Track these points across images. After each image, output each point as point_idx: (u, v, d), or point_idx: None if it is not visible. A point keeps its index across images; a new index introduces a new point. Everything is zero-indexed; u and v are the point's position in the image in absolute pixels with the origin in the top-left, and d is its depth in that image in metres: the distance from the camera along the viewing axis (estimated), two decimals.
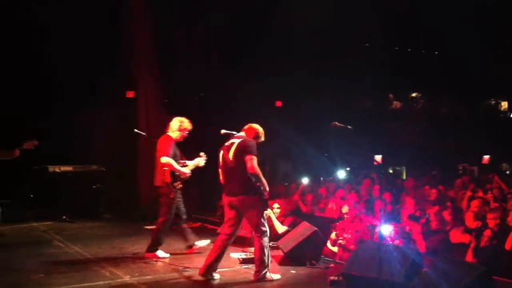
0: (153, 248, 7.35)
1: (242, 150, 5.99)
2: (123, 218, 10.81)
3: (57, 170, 10.79)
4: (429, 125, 19.33)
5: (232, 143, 6.12)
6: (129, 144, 12.02)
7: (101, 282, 6.01)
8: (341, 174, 12.99)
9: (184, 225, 7.61)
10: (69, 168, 10.97)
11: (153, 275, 6.36)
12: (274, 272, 6.29)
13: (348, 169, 14.24)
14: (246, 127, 6.36)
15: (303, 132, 13.81)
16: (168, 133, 7.49)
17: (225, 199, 6.26)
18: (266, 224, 6.13)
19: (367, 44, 17.67)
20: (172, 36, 12.69)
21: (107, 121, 12.89)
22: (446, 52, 18.22)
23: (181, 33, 12.80)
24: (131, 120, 12.05)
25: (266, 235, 6.11)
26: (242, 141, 6.09)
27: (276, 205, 8.82)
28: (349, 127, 5.68)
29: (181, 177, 7.31)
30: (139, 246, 8.13)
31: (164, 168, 7.18)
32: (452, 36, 16.69)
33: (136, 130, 9.60)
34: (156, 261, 7.12)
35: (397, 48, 18.20)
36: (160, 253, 7.39)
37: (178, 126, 7.47)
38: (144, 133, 9.56)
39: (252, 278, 6.22)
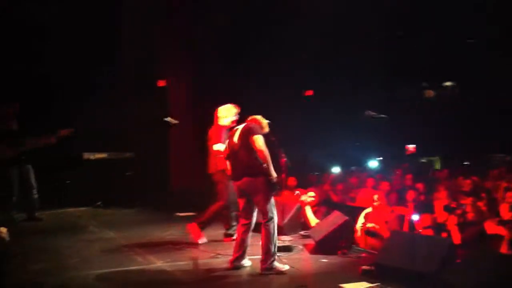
0: (202, 225, 7.45)
1: (247, 132, 5.96)
2: (156, 204, 10.94)
3: (92, 157, 10.97)
4: (463, 114, 18.96)
5: (236, 129, 6.19)
6: (161, 131, 12.18)
7: (134, 267, 6.13)
8: (373, 164, 12.88)
9: (234, 212, 7.61)
10: (103, 155, 11.14)
11: (186, 261, 6.44)
12: (305, 261, 6.31)
13: (380, 158, 14.11)
14: (249, 118, 6.33)
15: (335, 121, 13.75)
16: (218, 122, 7.56)
17: (234, 186, 6.24)
18: (274, 210, 5.98)
19: (400, 32, 17.39)
20: (205, 23, 12.68)
21: (140, 109, 13.06)
22: (481, 39, 17.81)
23: (217, 20, 12.78)
24: (162, 108, 12.20)
25: (273, 222, 5.94)
26: (246, 124, 6.12)
27: (311, 193, 8.79)
28: (382, 116, 5.57)
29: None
30: (171, 232, 8.25)
31: (218, 156, 7.23)
32: (490, 22, 16.29)
33: (166, 118, 9.72)
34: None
35: (432, 35, 17.83)
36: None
37: (226, 113, 7.52)
38: (174, 121, 9.67)
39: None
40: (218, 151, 7.24)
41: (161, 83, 13.03)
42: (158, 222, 9.16)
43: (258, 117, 6.32)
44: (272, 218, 5.91)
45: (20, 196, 8.67)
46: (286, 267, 6.01)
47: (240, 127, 6.16)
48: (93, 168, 11.03)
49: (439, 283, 5.26)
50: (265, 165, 5.83)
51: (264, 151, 5.82)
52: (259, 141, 5.83)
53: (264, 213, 5.90)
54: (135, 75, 12.55)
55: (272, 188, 5.94)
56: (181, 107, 12.48)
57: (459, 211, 7.38)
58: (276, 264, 5.94)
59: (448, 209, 7.49)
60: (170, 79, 12.72)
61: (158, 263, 6.33)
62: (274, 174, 5.88)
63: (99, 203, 10.47)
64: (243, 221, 6.15)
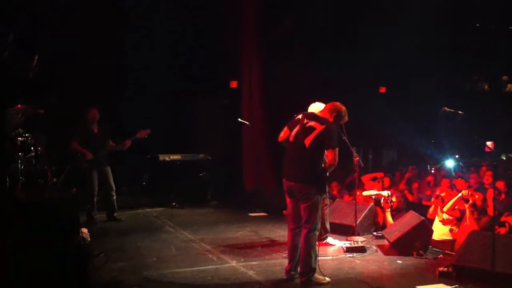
0: (322, 237, 7.31)
1: (323, 141, 5.41)
2: (229, 205, 11.09)
3: (167, 158, 11.26)
4: None
5: (311, 126, 5.51)
6: (233, 133, 12.34)
7: (209, 267, 6.24)
8: (450, 162, 12.44)
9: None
10: (178, 156, 11.40)
11: (258, 261, 6.49)
12: (380, 262, 6.19)
13: (457, 156, 13.61)
14: (328, 106, 5.78)
15: (410, 118, 13.41)
16: None
17: (285, 184, 5.71)
18: (319, 221, 5.60)
19: (478, 25, 16.73)
20: (277, 25, 12.71)
21: (213, 110, 13.31)
22: None
23: (287, 22, 12.79)
24: (235, 109, 12.35)
25: (316, 233, 5.54)
26: (325, 129, 5.44)
27: (392, 198, 8.56)
28: (460, 112, 5.34)
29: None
30: (244, 232, 8.35)
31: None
32: None
33: (239, 119, 9.82)
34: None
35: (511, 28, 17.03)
36: (330, 240, 7.49)
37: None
38: (247, 122, 9.75)
39: (357, 267, 6.17)
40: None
41: (234, 84, 13.19)
42: (231, 222, 9.27)
43: (337, 104, 5.76)
44: (316, 229, 5.55)
45: (100, 197, 9.05)
46: (327, 279, 5.65)
47: (317, 128, 5.47)
48: (168, 169, 11.30)
49: None
50: (325, 175, 5.50)
51: (335, 166, 5.42)
52: (335, 155, 5.38)
53: (309, 222, 5.50)
54: (207, 77, 12.78)
55: (321, 197, 5.66)
56: (253, 108, 12.56)
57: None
58: (317, 276, 5.60)
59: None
60: (242, 80, 12.82)
61: (232, 262, 6.42)
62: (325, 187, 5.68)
63: (174, 203, 10.73)
64: (291, 225, 5.74)
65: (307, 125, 5.54)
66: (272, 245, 7.43)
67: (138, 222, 9.37)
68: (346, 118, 5.78)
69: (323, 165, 5.54)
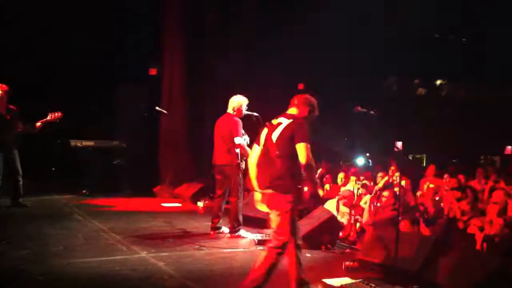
0: (235, 229, 7.39)
1: (292, 135, 4.65)
2: (143, 194, 10.91)
3: (79, 144, 10.90)
4: (452, 114, 19.08)
5: (279, 123, 4.82)
6: (152, 121, 12.12)
7: (118, 257, 6.10)
8: (360, 160, 12.90)
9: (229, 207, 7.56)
10: (90, 143, 11.07)
11: (169, 252, 6.43)
12: None
13: (367, 154, 14.15)
14: (295, 100, 5.01)
15: (323, 115, 13.74)
16: (229, 112, 7.41)
17: (258, 192, 5.01)
18: (294, 237, 4.73)
19: (393, 27, 17.41)
20: (201, 16, 12.59)
21: (131, 97, 13.01)
22: (474, 39, 17.90)
23: (211, 14, 12.70)
24: (154, 98, 12.13)
25: (296, 247, 4.74)
26: (292, 123, 4.74)
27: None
28: (372, 112, 5.52)
29: (244, 157, 7.24)
30: (156, 222, 8.26)
31: (236, 150, 7.16)
32: (481, 22, 16.38)
33: (157, 108, 9.67)
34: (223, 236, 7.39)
35: (424, 33, 17.89)
36: (243, 232, 7.46)
37: (241, 103, 7.40)
38: (165, 111, 9.63)
39: None
40: (238, 144, 7.13)
41: (153, 71, 12.94)
42: (143, 212, 9.16)
43: (308, 96, 5.07)
44: (294, 237, 4.73)
45: (4, 181, 8.60)
46: None
47: (285, 122, 4.78)
48: (80, 155, 10.94)
49: (422, 281, 5.30)
50: (302, 180, 4.67)
51: (311, 165, 4.58)
52: (307, 151, 4.56)
53: (280, 236, 4.74)
54: (128, 63, 12.48)
55: (296, 209, 4.79)
56: (174, 97, 12.38)
57: (421, 207, 7.48)
58: None
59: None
60: (163, 68, 12.60)
61: (142, 253, 6.32)
62: (316, 190, 4.83)
63: (84, 191, 10.41)
64: (272, 241, 4.88)
65: (275, 123, 4.88)
66: (184, 236, 7.39)
67: (45, 209, 9.04)
68: (317, 112, 5.09)
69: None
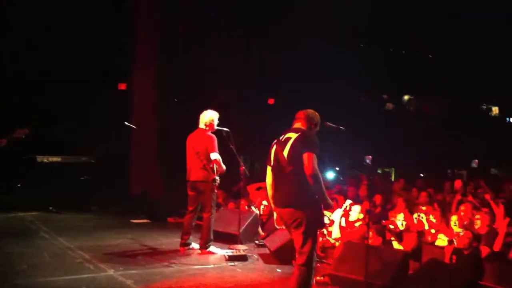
0: (206, 245, 7.30)
1: (300, 146, 4.67)
2: (111, 210, 10.74)
3: (45, 160, 10.68)
4: (420, 128, 19.40)
5: (288, 138, 4.80)
6: (122, 136, 11.98)
7: (85, 275, 5.96)
8: (330, 175, 12.96)
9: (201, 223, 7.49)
10: (57, 158, 10.86)
11: (138, 270, 6.31)
12: (260, 271, 6.27)
13: (337, 169, 14.23)
14: (300, 115, 5.04)
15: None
16: (201, 127, 7.36)
17: (276, 211, 5.01)
18: (314, 253, 4.76)
19: (361, 45, 17.70)
20: (170, 27, 12.55)
21: (100, 113, 12.83)
22: (441, 56, 18.30)
23: (183, 25, 12.69)
24: (124, 112, 12.00)
25: (313, 267, 4.75)
26: (300, 135, 4.76)
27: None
28: (341, 127, 5.55)
29: (219, 173, 7.23)
30: (124, 240, 8.12)
31: (210, 166, 7.10)
32: (447, 40, 16.77)
33: (126, 123, 9.57)
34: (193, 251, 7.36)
35: (391, 50, 18.23)
36: (213, 248, 7.37)
37: (213, 118, 7.37)
38: (134, 126, 9.53)
39: (238, 276, 6.20)
40: (214, 160, 7.07)
41: (122, 86, 12.84)
42: (112, 229, 8.99)
43: (310, 111, 5.09)
44: (311, 262, 4.71)
45: None
46: None
47: (293, 136, 4.78)
48: (47, 171, 10.73)
49: None
50: (317, 193, 4.66)
51: (315, 174, 4.56)
52: (312, 161, 4.57)
53: (303, 254, 4.69)
54: (96, 77, 12.34)
55: (319, 224, 4.87)
56: (144, 112, 12.27)
57: (393, 223, 7.53)
58: None
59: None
60: (133, 82, 12.51)
61: (110, 271, 6.18)
62: (328, 202, 4.77)
63: (51, 208, 10.19)
64: (298, 260, 4.77)
65: (283, 139, 4.87)
66: (153, 253, 7.28)
67: (10, 226, 8.85)
68: (318, 126, 5.13)
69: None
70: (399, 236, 7.27)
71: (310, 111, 5.08)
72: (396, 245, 7.05)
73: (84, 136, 12.41)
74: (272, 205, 5.02)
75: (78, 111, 12.56)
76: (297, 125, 4.99)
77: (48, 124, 11.50)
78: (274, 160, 4.91)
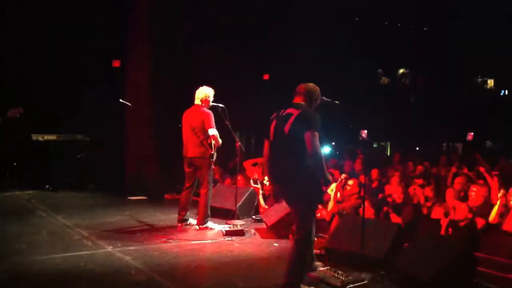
0: (203, 221, 7.35)
1: (301, 123, 4.65)
2: (108, 188, 10.75)
3: (40, 138, 10.65)
4: (415, 102, 19.41)
5: (289, 114, 4.76)
6: (117, 114, 11.91)
7: (83, 252, 6.00)
8: (326, 149, 12.98)
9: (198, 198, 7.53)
10: (52, 137, 10.82)
11: (136, 246, 6.35)
12: (257, 246, 6.32)
13: (333, 143, 14.26)
14: (301, 89, 4.99)
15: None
16: (197, 103, 7.37)
17: (274, 186, 5.07)
18: (312, 228, 4.83)
19: (356, 18, 17.57)
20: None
21: (95, 90, 12.74)
22: (435, 29, 18.21)
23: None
24: (119, 90, 11.91)
25: (309, 244, 4.88)
26: (302, 112, 4.73)
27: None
28: (336, 102, 5.54)
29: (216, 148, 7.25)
30: (122, 217, 8.16)
31: (208, 141, 7.14)
32: (442, 13, 16.67)
33: (121, 100, 9.52)
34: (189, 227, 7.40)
35: (386, 23, 18.11)
36: (210, 224, 7.42)
37: (209, 94, 7.38)
38: (129, 103, 9.49)
39: (235, 250, 6.26)
40: (212, 135, 7.10)
41: (116, 63, 12.71)
42: (109, 206, 9.02)
43: (312, 85, 5.05)
44: (309, 237, 4.80)
45: None
46: None
47: (295, 113, 4.74)
48: (42, 149, 10.70)
49: (388, 266, 5.38)
50: (316, 170, 4.64)
51: (318, 153, 4.57)
52: (314, 140, 4.57)
53: (300, 228, 4.73)
54: (91, 55, 12.20)
55: (317, 202, 4.99)
56: (138, 89, 12.17)
57: (389, 199, 7.56)
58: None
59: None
60: (127, 60, 12.38)
61: (108, 248, 6.22)
62: (328, 180, 4.82)
63: (48, 186, 10.19)
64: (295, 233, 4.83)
65: (283, 114, 4.83)
66: (151, 230, 7.32)
67: (7, 206, 8.85)
68: (319, 100, 5.13)
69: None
70: (397, 209, 7.31)
71: (311, 85, 5.03)
72: (394, 218, 7.10)
73: (78, 114, 12.34)
74: (270, 180, 5.01)
75: (72, 91, 12.47)
76: (297, 100, 4.96)
77: (43, 103, 11.40)
78: (273, 135, 4.88)
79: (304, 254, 4.78)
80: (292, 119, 4.70)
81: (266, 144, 5.01)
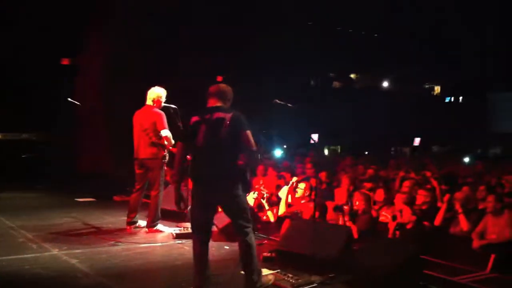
0: (154, 223, 7.22)
1: (237, 125, 4.75)
2: (56, 189, 10.47)
3: None
4: (365, 107, 19.77)
5: (219, 117, 4.79)
6: (67, 113, 11.62)
7: (28, 255, 5.82)
8: (278, 152, 13.08)
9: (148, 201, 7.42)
10: None
11: (83, 249, 6.20)
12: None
13: (285, 147, 14.36)
14: (213, 90, 4.99)
15: (242, 108, 13.82)
16: (149, 104, 7.24)
17: (206, 196, 4.92)
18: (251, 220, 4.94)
19: (310, 23, 17.77)
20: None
21: (45, 89, 12.41)
22: (386, 36, 18.63)
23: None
24: (69, 89, 11.64)
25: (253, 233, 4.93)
26: (234, 115, 4.78)
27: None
28: (289, 105, 5.58)
29: (167, 150, 7.15)
30: (69, 219, 7.96)
31: (160, 143, 7.03)
32: (393, 21, 17.07)
33: (70, 99, 9.31)
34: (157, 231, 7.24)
35: (339, 28, 18.41)
36: (160, 226, 7.30)
37: (161, 94, 7.26)
38: (77, 102, 9.29)
39: (185, 253, 6.20)
40: (165, 137, 6.99)
41: (65, 61, 12.43)
42: (56, 208, 8.79)
43: (225, 86, 5.08)
44: (250, 231, 4.84)
45: None
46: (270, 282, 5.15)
47: (226, 116, 4.78)
48: None
49: (338, 268, 5.43)
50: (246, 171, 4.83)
51: (256, 149, 4.80)
52: (251, 138, 4.76)
53: (247, 219, 4.82)
54: (41, 52, 11.87)
55: (249, 189, 5.23)
56: (91, 88, 11.93)
57: (346, 207, 7.63)
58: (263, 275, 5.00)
59: (337, 208, 7.64)
60: (79, 58, 12.13)
61: (54, 251, 6.06)
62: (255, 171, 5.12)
63: None
64: (203, 236, 4.96)
65: (214, 118, 4.81)
66: (99, 232, 7.17)
67: None
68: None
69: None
70: (354, 216, 7.37)
71: (222, 85, 5.07)
72: (349, 223, 7.16)
73: (26, 113, 12.00)
74: (198, 180, 4.96)
75: (19, 90, 12.10)
76: (214, 102, 4.94)
77: None
78: (203, 140, 4.81)
79: (253, 247, 4.83)
80: (227, 123, 4.77)
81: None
